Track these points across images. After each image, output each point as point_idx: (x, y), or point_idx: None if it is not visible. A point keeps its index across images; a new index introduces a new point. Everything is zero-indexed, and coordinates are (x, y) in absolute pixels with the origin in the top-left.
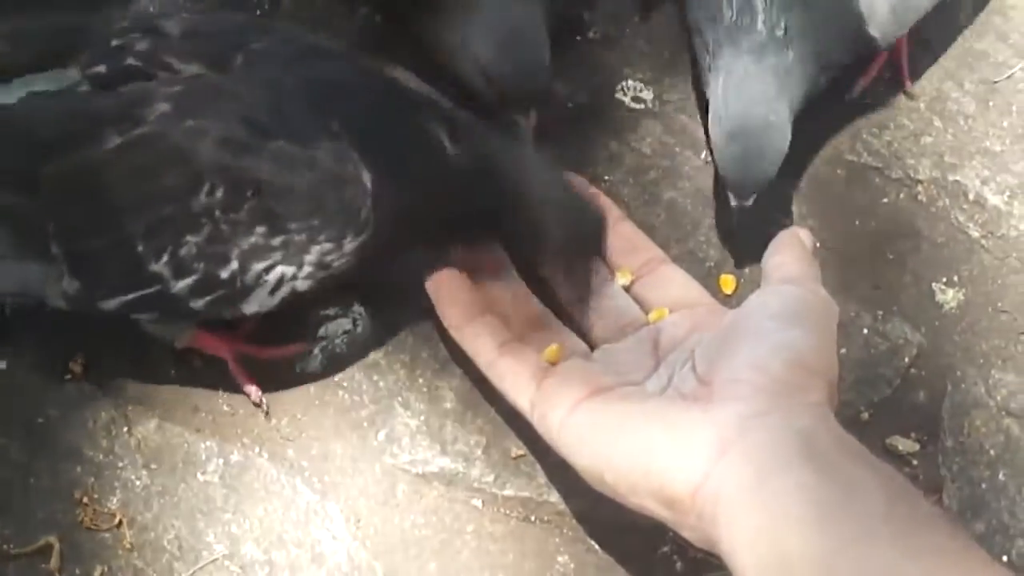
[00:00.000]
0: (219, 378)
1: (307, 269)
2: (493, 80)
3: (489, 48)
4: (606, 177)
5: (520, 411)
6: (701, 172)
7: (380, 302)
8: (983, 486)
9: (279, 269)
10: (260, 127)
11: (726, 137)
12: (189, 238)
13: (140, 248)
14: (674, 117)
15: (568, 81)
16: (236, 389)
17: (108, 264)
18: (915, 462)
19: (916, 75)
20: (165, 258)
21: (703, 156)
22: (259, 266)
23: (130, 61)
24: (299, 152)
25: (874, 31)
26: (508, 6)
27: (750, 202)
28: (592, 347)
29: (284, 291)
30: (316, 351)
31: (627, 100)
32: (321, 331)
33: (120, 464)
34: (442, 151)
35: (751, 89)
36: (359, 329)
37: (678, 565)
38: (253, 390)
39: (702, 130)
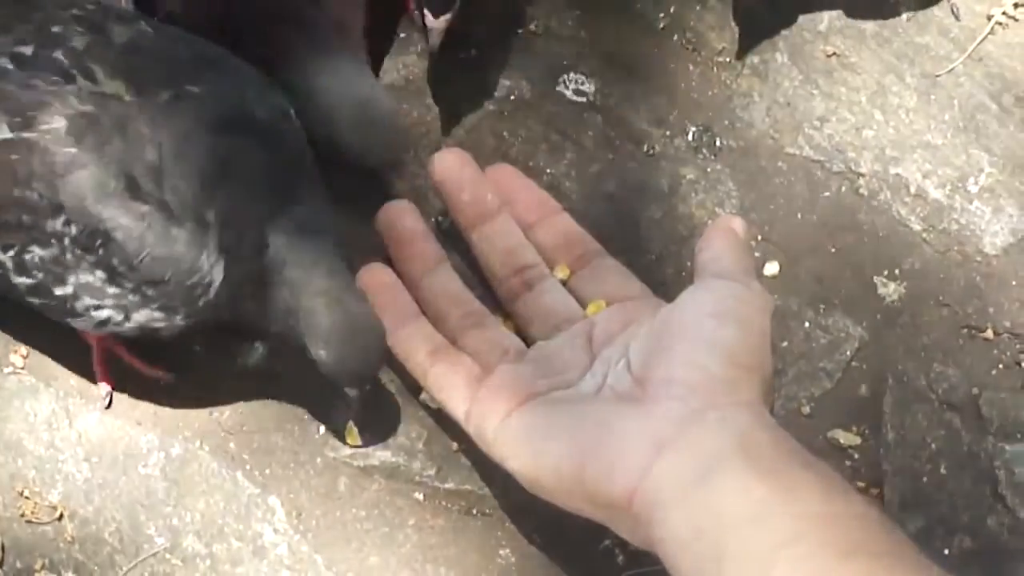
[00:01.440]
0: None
1: (133, 324)
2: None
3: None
4: (548, 170)
5: (456, 420)
6: (644, 165)
7: None
8: (924, 480)
9: (107, 312)
10: (136, 186)
11: None
12: (35, 249)
13: None
14: (616, 110)
15: (509, 74)
16: (177, 382)
17: None
18: (856, 455)
19: (858, 68)
20: (11, 254)
21: (645, 148)
22: (90, 301)
23: (57, 55)
24: (160, 225)
25: None
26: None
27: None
28: (529, 343)
29: (108, 329)
30: (257, 344)
31: (569, 93)
32: None
33: (61, 457)
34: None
35: None
36: None
37: (620, 558)
38: (104, 386)
39: (644, 123)
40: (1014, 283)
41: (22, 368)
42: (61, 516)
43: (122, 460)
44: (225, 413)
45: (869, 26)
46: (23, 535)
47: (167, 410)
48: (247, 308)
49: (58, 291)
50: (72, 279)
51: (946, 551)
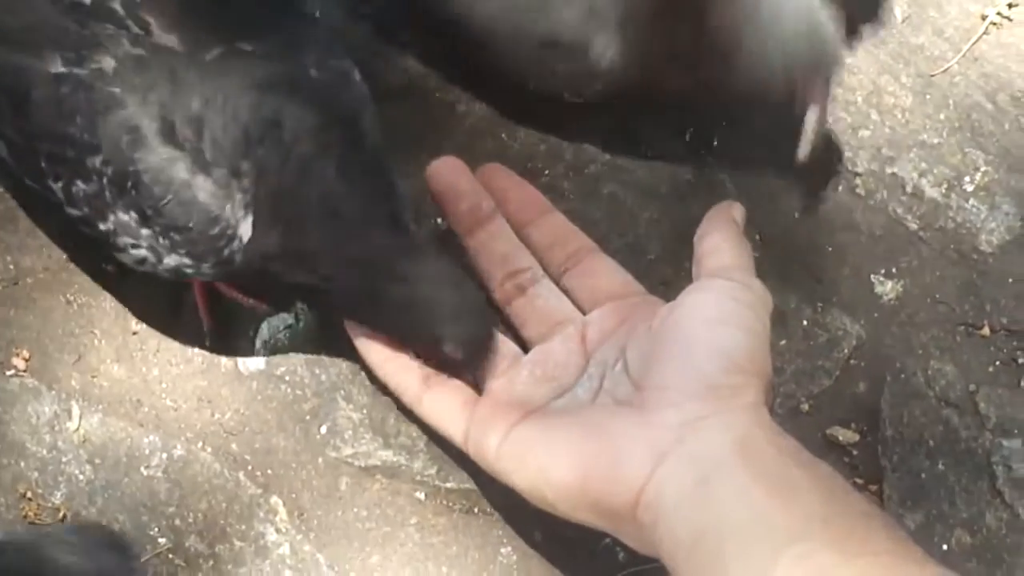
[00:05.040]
0: (162, 373)
1: (165, 267)
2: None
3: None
4: (546, 171)
5: (454, 443)
6: (642, 166)
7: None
8: (922, 476)
9: (143, 252)
10: (171, 131)
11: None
12: (80, 183)
13: (43, 164)
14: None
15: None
16: (178, 384)
17: (24, 157)
18: (855, 452)
19: (853, 69)
20: (60, 184)
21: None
22: (127, 240)
23: (114, 4)
24: (188, 172)
25: None
26: None
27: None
28: (525, 347)
29: (147, 269)
30: (259, 345)
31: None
32: (263, 326)
33: (64, 459)
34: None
35: None
36: (301, 323)
37: (620, 556)
38: (206, 321)
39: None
40: (1010, 280)
41: (24, 371)
42: (64, 517)
43: (124, 461)
44: (227, 414)
45: (864, 27)
46: None
47: (169, 412)
48: (277, 270)
49: (101, 226)
50: (112, 217)
51: (945, 547)
